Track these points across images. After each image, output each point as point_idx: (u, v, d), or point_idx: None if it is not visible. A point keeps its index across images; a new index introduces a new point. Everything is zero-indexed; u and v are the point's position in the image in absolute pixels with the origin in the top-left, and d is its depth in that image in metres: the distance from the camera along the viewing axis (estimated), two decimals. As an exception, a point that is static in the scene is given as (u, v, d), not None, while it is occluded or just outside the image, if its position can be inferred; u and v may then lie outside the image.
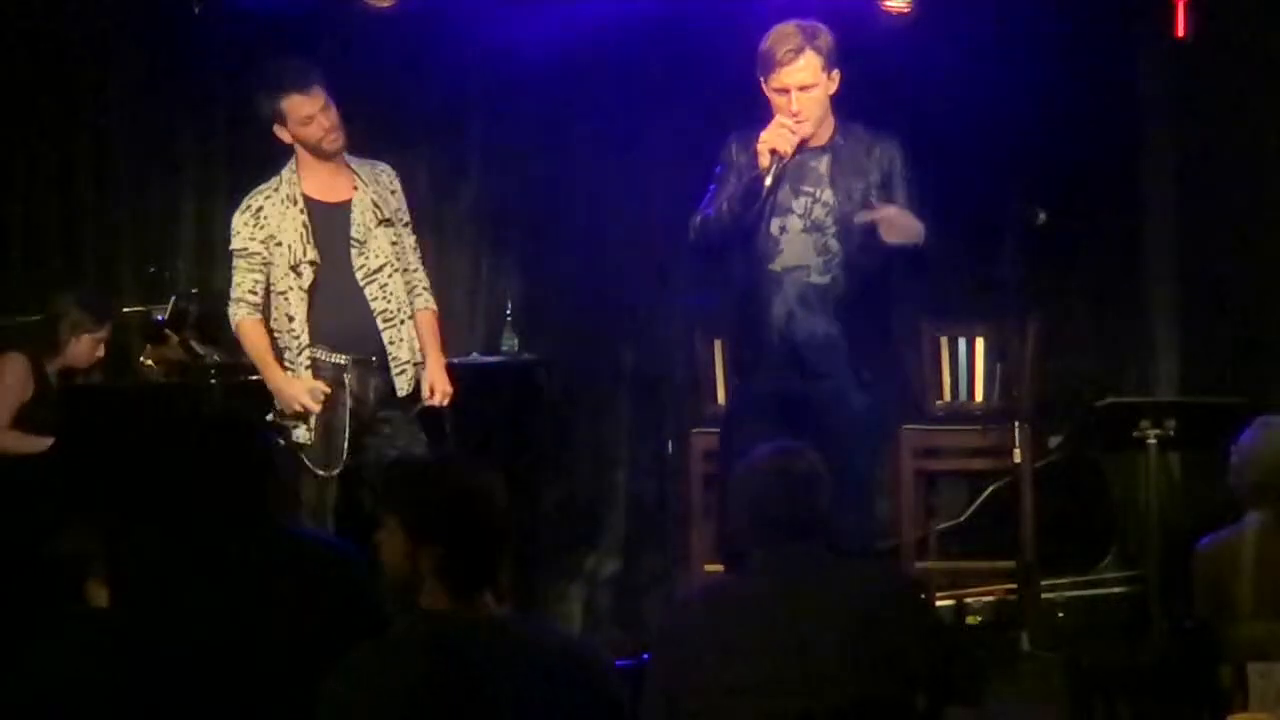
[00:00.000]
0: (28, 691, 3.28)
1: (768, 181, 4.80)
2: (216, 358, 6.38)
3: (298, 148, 5.36)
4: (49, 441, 5.93)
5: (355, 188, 5.41)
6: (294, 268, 5.30)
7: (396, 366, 5.37)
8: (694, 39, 5.61)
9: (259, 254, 5.34)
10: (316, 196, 5.37)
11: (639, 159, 6.66)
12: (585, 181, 6.96)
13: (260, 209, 5.35)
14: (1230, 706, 4.31)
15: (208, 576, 3.58)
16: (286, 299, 5.32)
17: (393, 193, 5.49)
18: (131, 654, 3.38)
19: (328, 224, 5.35)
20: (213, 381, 6.23)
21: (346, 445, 5.30)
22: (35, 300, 6.40)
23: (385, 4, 6.59)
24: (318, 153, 5.35)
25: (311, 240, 5.31)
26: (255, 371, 5.90)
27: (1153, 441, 5.54)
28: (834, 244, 4.89)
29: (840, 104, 5.01)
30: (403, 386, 5.37)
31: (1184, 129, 6.79)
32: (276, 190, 5.36)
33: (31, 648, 3.36)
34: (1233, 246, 6.59)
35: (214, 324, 6.58)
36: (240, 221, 5.38)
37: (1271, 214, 6.47)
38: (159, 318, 6.38)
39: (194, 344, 6.36)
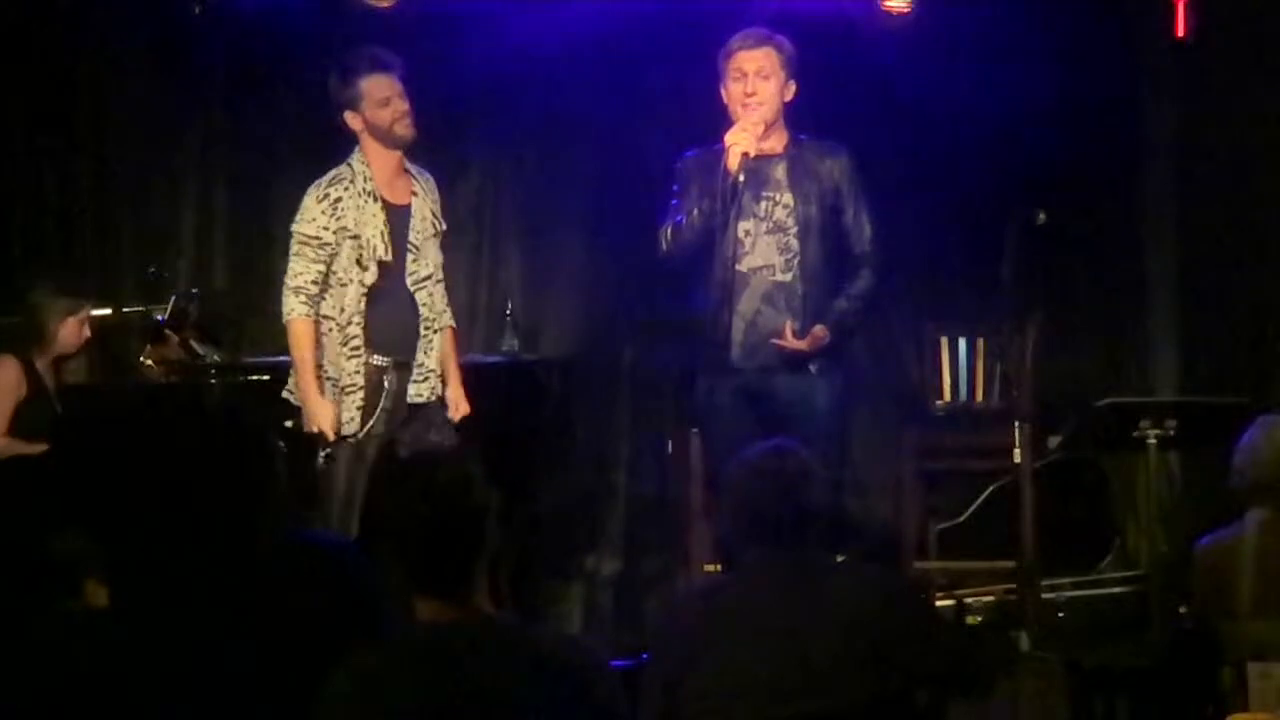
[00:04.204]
0: (27, 692, 3.28)
1: (742, 179, 5.06)
2: (216, 358, 6.37)
3: (364, 139, 5.32)
4: (43, 447, 5.92)
5: (414, 193, 5.40)
6: (359, 262, 5.26)
7: (421, 374, 5.36)
8: (694, 39, 5.61)
9: (329, 245, 5.26)
10: (384, 196, 5.33)
11: (639, 159, 6.65)
12: (585, 181, 6.95)
13: (339, 200, 5.27)
14: (1230, 706, 4.30)
15: (207, 577, 3.58)
16: (346, 291, 5.26)
17: (437, 203, 5.49)
18: (131, 654, 3.38)
19: (394, 225, 5.32)
20: (213, 381, 6.23)
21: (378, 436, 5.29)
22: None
23: (385, 4, 6.58)
24: (389, 138, 5.31)
25: (390, 240, 5.28)
26: (255, 372, 5.91)
27: (1153, 441, 5.53)
28: (794, 243, 5.20)
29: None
30: (423, 394, 5.37)
31: (1184, 129, 6.79)
32: (352, 182, 5.30)
33: (31, 648, 3.35)
34: (1233, 246, 6.59)
35: (214, 324, 6.59)
36: (318, 209, 5.28)
37: (1272, 214, 6.47)
38: (159, 318, 6.37)
39: (194, 344, 6.35)
